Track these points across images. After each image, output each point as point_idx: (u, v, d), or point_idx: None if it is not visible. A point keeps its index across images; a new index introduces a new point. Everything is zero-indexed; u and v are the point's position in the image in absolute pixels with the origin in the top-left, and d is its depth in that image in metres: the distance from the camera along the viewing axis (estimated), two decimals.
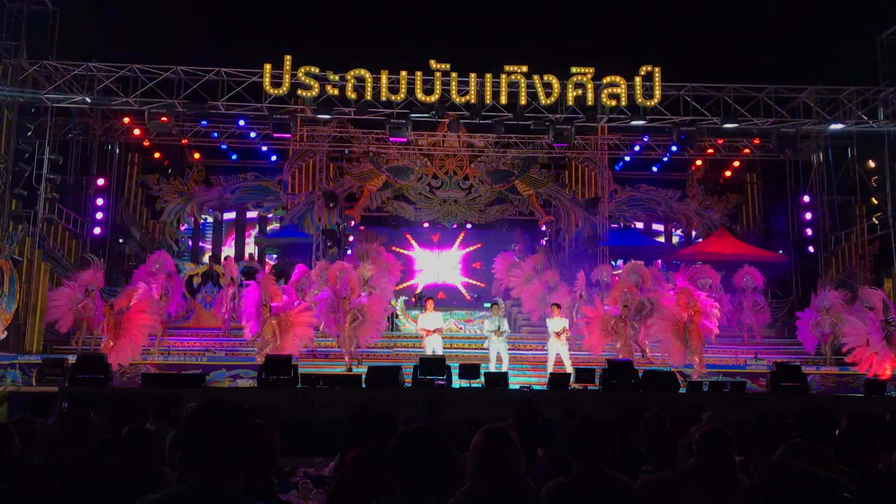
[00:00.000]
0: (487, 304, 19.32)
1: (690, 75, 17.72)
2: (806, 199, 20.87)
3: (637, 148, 20.88)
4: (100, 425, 6.30)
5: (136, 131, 20.00)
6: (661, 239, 23.42)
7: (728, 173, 22.58)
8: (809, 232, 20.88)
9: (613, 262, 20.54)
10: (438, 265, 22.47)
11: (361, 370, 12.83)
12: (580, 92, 17.10)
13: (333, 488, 4.59)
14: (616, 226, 22.34)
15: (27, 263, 15.86)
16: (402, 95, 16.83)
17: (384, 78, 16.81)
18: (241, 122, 19.74)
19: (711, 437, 3.67)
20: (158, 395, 9.18)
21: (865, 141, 19.04)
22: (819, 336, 16.60)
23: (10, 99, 16.20)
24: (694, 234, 22.73)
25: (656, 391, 11.66)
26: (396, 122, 17.13)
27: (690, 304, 15.01)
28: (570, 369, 13.37)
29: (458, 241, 22.49)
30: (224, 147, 20.91)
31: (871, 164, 19.21)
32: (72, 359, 12.61)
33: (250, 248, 22.70)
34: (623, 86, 17.08)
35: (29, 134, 17.01)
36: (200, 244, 22.73)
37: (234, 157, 21.65)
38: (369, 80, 16.78)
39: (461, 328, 18.78)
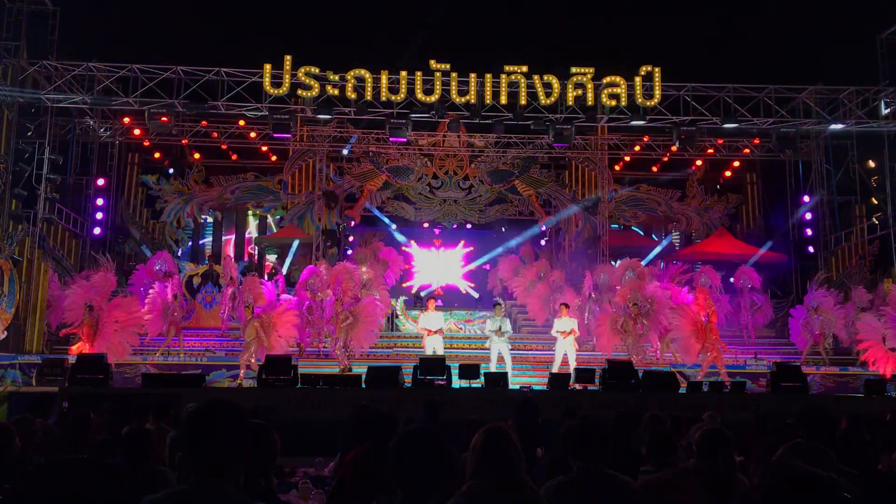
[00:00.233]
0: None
1: (690, 75, 17.74)
2: (806, 199, 20.88)
3: (637, 148, 20.89)
4: (100, 425, 6.30)
5: (136, 131, 20.00)
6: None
7: (728, 173, 22.58)
8: (809, 232, 20.90)
9: (613, 263, 20.54)
10: (438, 265, 22.47)
11: (361, 370, 12.81)
12: (580, 92, 17.10)
13: (333, 488, 4.59)
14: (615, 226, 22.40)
15: (27, 263, 15.85)
16: (402, 95, 16.83)
17: (384, 78, 16.81)
18: (241, 122, 19.74)
19: (711, 437, 3.67)
20: (158, 395, 9.18)
21: (865, 141, 19.04)
22: (808, 335, 16.64)
23: (10, 99, 16.20)
24: (694, 234, 22.74)
25: (656, 391, 11.65)
26: (396, 122, 17.13)
27: (707, 304, 15.11)
28: None
29: (457, 240, 22.52)
30: (224, 147, 20.91)
31: (871, 164, 19.21)
32: (72, 359, 12.62)
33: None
34: (623, 86, 17.07)
35: (29, 134, 17.01)
36: (200, 244, 22.76)
37: (234, 157, 21.65)
38: (369, 80, 16.77)
39: (461, 328, 18.77)
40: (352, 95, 16.82)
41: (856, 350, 16.61)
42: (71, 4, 17.48)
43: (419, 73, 16.84)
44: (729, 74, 17.96)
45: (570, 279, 18.25)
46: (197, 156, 21.57)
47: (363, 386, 11.63)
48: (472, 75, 17.04)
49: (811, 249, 20.78)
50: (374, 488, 3.22)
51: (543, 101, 16.93)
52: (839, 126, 18.16)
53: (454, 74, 16.88)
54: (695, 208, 22.27)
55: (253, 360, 14.16)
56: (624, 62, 17.48)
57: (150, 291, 15.79)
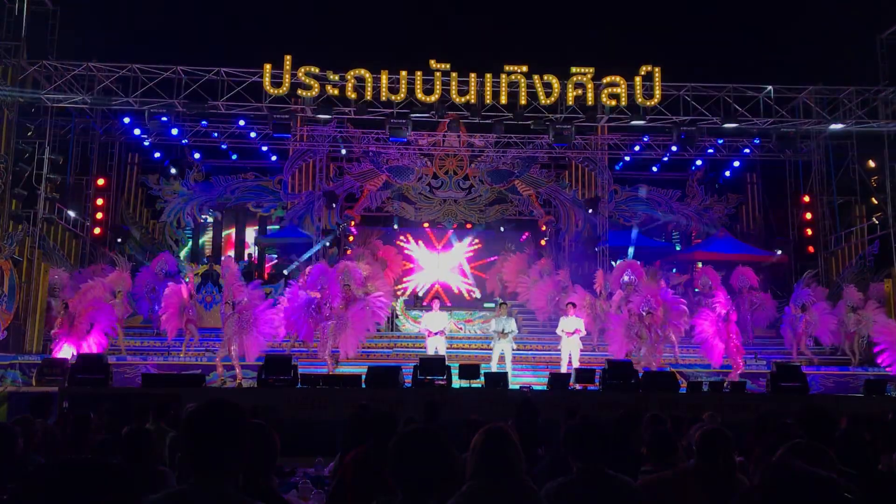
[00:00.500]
0: (490, 305, 19.33)
1: (690, 75, 17.74)
2: (806, 199, 20.88)
3: (637, 148, 20.89)
4: (100, 425, 6.30)
5: (136, 131, 20.00)
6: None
7: (728, 173, 22.57)
8: (809, 232, 20.90)
9: (613, 263, 20.54)
10: (438, 265, 22.46)
11: (361, 370, 12.80)
12: (580, 92, 17.10)
13: (333, 488, 4.58)
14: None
15: (27, 263, 15.86)
16: (402, 95, 16.83)
17: (384, 78, 16.80)
18: (241, 122, 19.74)
19: (711, 437, 3.67)
20: (158, 395, 9.18)
21: (865, 141, 19.04)
22: (791, 334, 16.66)
23: (10, 99, 16.20)
24: (694, 234, 22.74)
25: (656, 391, 11.66)
26: (396, 122, 17.12)
27: (728, 304, 15.19)
28: None
29: (457, 240, 22.49)
30: (224, 147, 20.90)
31: (871, 164, 19.20)
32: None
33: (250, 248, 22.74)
34: (623, 86, 17.07)
35: (29, 134, 17.01)
36: (200, 243, 22.76)
37: (234, 157, 21.65)
38: (369, 79, 16.77)
39: (461, 328, 18.77)
40: (352, 95, 16.82)
41: (841, 349, 16.75)
42: (71, 4, 17.50)
43: (419, 73, 16.84)
44: (729, 74, 17.98)
45: (573, 278, 18.26)
46: (197, 156, 21.57)
47: (363, 386, 11.63)
48: (472, 75, 17.03)
49: (811, 249, 20.78)
50: (374, 488, 3.22)
51: (543, 101, 16.93)
52: (839, 126, 18.16)
53: (454, 74, 16.87)
54: (695, 208, 22.28)
55: (233, 355, 14.08)
56: (624, 62, 17.49)
57: (166, 290, 15.72)
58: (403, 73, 16.86)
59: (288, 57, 16.55)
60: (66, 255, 18.09)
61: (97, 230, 19.78)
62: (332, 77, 16.85)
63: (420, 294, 20.69)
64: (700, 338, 15.36)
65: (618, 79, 17.10)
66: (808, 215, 20.85)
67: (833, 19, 19.06)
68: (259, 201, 21.77)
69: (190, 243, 22.26)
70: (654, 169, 22.23)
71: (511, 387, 12.44)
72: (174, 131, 19.10)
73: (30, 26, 16.55)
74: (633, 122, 17.82)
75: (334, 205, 20.66)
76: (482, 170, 21.33)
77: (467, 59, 17.44)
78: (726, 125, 17.91)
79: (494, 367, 13.92)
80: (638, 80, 17.07)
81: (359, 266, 16.86)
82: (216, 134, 20.40)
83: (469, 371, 12.54)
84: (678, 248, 22.69)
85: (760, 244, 21.39)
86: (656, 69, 17.12)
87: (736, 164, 22.12)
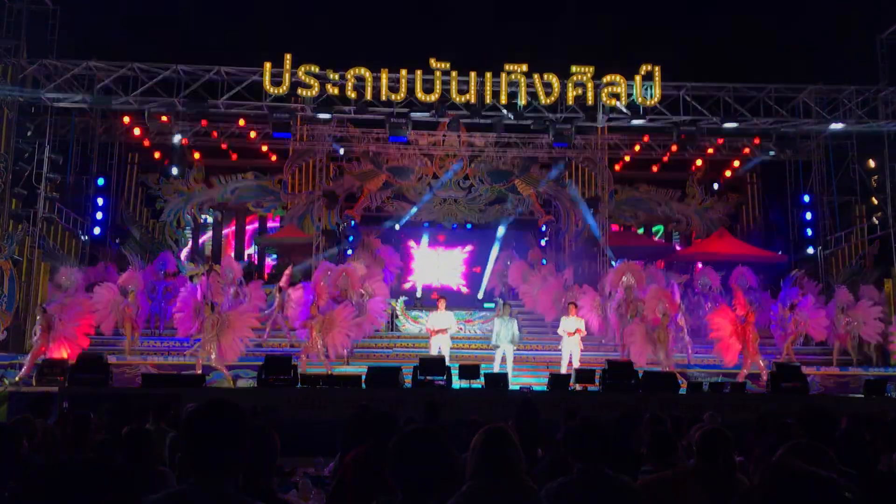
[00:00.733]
0: (490, 305, 19.31)
1: (690, 75, 17.73)
2: (806, 199, 20.88)
3: (637, 148, 20.88)
4: (100, 425, 6.30)
5: (136, 131, 19.99)
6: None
7: (728, 173, 22.58)
8: (809, 232, 20.90)
9: (613, 262, 20.53)
10: (438, 265, 22.46)
11: (361, 370, 12.80)
12: (580, 91, 17.09)
13: (333, 488, 4.58)
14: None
15: (27, 263, 15.86)
16: (402, 95, 16.82)
17: (384, 77, 16.80)
18: (242, 122, 19.73)
19: (711, 437, 3.67)
20: (158, 395, 9.18)
21: (865, 141, 19.04)
22: (783, 333, 16.68)
23: (10, 98, 16.20)
24: (694, 234, 22.74)
25: (656, 391, 11.66)
26: (396, 122, 17.11)
27: (746, 304, 15.27)
28: None
29: (457, 240, 22.51)
30: (224, 147, 20.90)
31: (871, 164, 19.21)
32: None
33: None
34: (623, 85, 17.07)
35: (29, 133, 17.01)
36: (200, 243, 22.76)
37: (234, 156, 21.65)
38: (369, 79, 16.76)
39: (461, 328, 18.75)
40: (352, 94, 16.81)
41: (832, 348, 16.76)
42: (71, 4, 17.47)
43: (419, 73, 16.83)
44: (729, 74, 17.97)
45: (576, 279, 18.29)
46: (197, 156, 21.57)
47: (363, 386, 11.63)
48: (473, 74, 17.02)
49: (811, 249, 20.79)
50: (374, 488, 3.22)
51: (543, 101, 16.93)
52: (839, 126, 18.16)
53: (454, 73, 16.87)
54: (695, 208, 22.29)
55: (213, 357, 14.04)
56: (624, 62, 17.49)
57: (182, 291, 15.69)
58: (403, 72, 16.85)
59: (288, 56, 16.55)
60: (66, 255, 18.09)
61: (97, 230, 19.79)
62: (332, 76, 16.84)
63: (419, 294, 20.68)
64: (716, 335, 15.38)
65: (618, 78, 17.10)
66: (808, 215, 20.87)
67: (833, 19, 19.05)
68: (259, 201, 21.78)
69: (190, 243, 22.27)
70: (654, 169, 22.25)
71: (511, 387, 12.44)
72: (174, 131, 19.10)
73: (30, 26, 16.55)
74: (633, 122, 17.82)
75: (333, 205, 20.67)
76: (482, 170, 21.32)
77: (467, 58, 17.45)
78: (726, 125, 17.91)
79: (497, 368, 13.92)
80: (638, 79, 17.07)
81: (355, 265, 16.86)
82: (216, 133, 20.41)
83: (469, 371, 12.53)
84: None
85: (760, 244, 21.39)
86: (656, 69, 17.12)
87: (736, 163, 22.13)
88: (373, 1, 21.79)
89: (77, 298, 15.42)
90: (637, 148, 20.91)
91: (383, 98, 16.87)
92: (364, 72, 16.76)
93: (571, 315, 14.74)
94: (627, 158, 21.59)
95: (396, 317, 18.52)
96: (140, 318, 15.90)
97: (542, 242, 22.36)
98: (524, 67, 17.01)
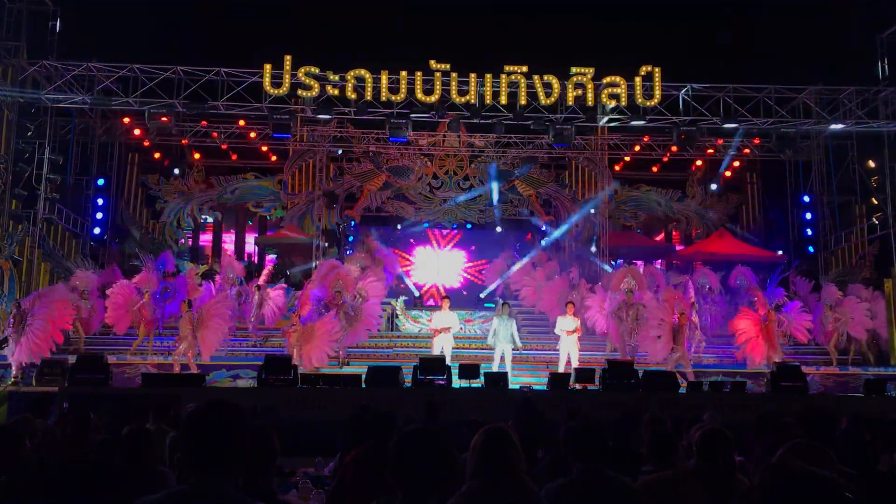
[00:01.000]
0: (490, 305, 19.31)
1: (690, 75, 17.74)
2: (806, 199, 20.88)
3: (637, 148, 20.89)
4: (100, 425, 6.29)
5: (136, 131, 20.00)
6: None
7: (728, 173, 22.58)
8: (809, 232, 20.89)
9: (613, 262, 20.53)
10: (438, 265, 22.46)
11: (361, 370, 12.79)
12: (580, 92, 17.10)
13: (333, 488, 4.58)
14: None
15: (27, 263, 15.86)
16: (402, 95, 16.83)
17: (384, 78, 16.80)
18: (242, 123, 19.73)
19: (711, 437, 3.66)
20: (158, 395, 9.17)
21: (865, 141, 19.05)
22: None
23: (10, 99, 16.21)
24: (694, 233, 22.74)
25: (656, 391, 11.64)
26: (396, 122, 17.11)
27: (766, 304, 15.42)
28: None
29: (457, 240, 22.50)
30: (224, 147, 20.90)
31: (871, 164, 19.21)
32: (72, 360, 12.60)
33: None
34: (623, 86, 17.07)
35: (29, 134, 17.02)
36: (200, 244, 22.77)
37: (234, 157, 21.65)
38: (369, 80, 16.77)
39: (461, 328, 18.74)
40: (352, 95, 16.82)
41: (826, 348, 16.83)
42: (71, 4, 17.48)
43: (419, 73, 16.84)
44: (729, 74, 17.97)
45: (585, 276, 18.31)
46: (197, 156, 21.57)
47: (363, 386, 11.62)
48: (472, 75, 17.04)
49: (811, 249, 20.79)
50: (374, 488, 3.22)
51: (543, 101, 16.93)
52: (839, 126, 18.17)
53: (454, 74, 16.87)
54: (695, 208, 22.28)
55: (190, 356, 14.00)
56: (624, 62, 17.49)
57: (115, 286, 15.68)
58: (403, 73, 16.86)
59: (288, 57, 16.56)
60: (66, 255, 18.09)
61: (97, 230, 19.80)
62: (332, 77, 16.85)
63: (418, 294, 20.68)
64: (743, 338, 15.45)
65: (618, 79, 17.11)
66: (808, 215, 20.86)
67: (833, 19, 19.05)
68: (259, 201, 21.79)
69: (190, 242, 22.28)
70: (654, 169, 22.25)
71: (511, 387, 12.43)
72: (174, 131, 19.10)
73: (30, 26, 16.55)
74: (633, 122, 17.82)
75: (333, 205, 20.67)
76: (482, 170, 21.32)
77: (467, 59, 17.46)
78: (726, 125, 17.92)
79: (496, 368, 13.92)
80: (638, 80, 17.08)
81: (350, 267, 16.82)
82: (216, 134, 20.42)
83: (469, 371, 12.52)
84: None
85: (760, 244, 21.39)
86: (656, 69, 17.12)
87: (736, 163, 22.13)
88: (373, 2, 21.80)
89: (54, 294, 15.14)
90: (637, 148, 20.91)
91: (383, 99, 16.88)
92: (364, 72, 16.77)
93: (569, 314, 14.73)
94: (627, 158, 21.60)
95: (396, 316, 18.52)
96: (156, 319, 15.83)
97: (542, 242, 22.37)
98: (524, 68, 17.02)
